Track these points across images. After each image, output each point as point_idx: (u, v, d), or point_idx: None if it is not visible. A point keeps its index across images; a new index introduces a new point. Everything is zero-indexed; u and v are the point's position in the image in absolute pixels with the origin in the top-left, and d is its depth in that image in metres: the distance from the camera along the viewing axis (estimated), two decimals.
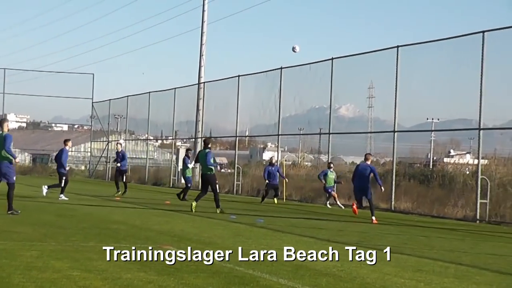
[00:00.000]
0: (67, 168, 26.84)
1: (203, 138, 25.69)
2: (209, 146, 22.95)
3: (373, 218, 21.63)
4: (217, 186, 23.09)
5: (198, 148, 45.20)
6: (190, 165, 30.18)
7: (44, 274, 9.35)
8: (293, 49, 32.56)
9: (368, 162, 22.91)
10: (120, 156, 30.97)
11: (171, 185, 46.29)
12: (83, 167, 68.13)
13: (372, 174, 22.46)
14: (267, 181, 30.12)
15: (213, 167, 22.67)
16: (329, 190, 29.39)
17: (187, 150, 31.94)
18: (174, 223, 18.05)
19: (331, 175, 29.23)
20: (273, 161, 31.55)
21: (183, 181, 33.03)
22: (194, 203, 22.48)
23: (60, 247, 12.19)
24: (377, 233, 18.02)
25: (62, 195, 25.84)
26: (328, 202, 29.54)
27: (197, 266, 10.22)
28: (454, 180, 29.10)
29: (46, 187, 26.73)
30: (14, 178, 18.57)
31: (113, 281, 9.07)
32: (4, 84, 60.64)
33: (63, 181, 26.31)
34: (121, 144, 32.82)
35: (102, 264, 10.23)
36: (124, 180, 30.78)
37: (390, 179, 28.30)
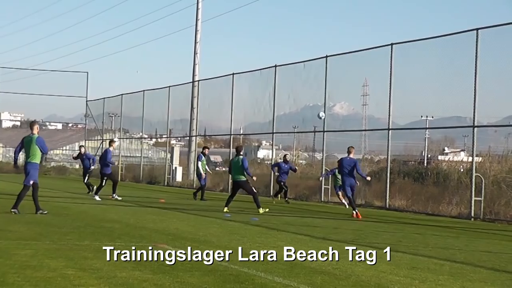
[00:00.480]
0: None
1: (235, 146, 25.33)
2: (241, 153, 23.24)
3: (355, 212, 22.44)
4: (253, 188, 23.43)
5: (193, 148, 45.26)
6: (202, 170, 29.51)
7: (39, 273, 9.35)
8: (319, 116, 32.47)
9: (351, 156, 23.29)
10: (85, 158, 31.48)
11: (165, 183, 46.25)
12: (77, 166, 67.99)
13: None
14: (277, 174, 29.87)
15: (246, 173, 23.11)
16: (338, 191, 28.76)
17: (204, 148, 31.10)
18: (169, 222, 18.04)
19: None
20: (288, 158, 30.97)
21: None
22: (226, 209, 22.77)
23: (55, 246, 12.18)
24: (372, 230, 18.03)
25: (96, 196, 26.38)
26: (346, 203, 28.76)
27: (192, 264, 10.22)
28: (448, 177, 29.08)
29: (96, 196, 26.54)
30: (31, 182, 18.66)
31: (108, 279, 9.07)
32: None
33: (104, 182, 26.81)
34: (83, 147, 33.24)
35: (97, 262, 10.23)
36: (85, 180, 31.05)
37: (385, 177, 28.32)
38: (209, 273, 9.76)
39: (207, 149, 30.65)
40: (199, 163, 29.37)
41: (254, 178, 23.96)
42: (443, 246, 15.00)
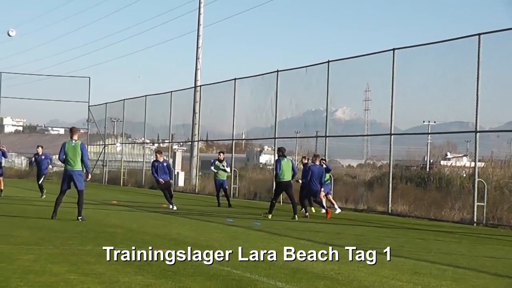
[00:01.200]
0: (160, 180, 25.75)
1: (278, 147, 24.67)
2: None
3: (308, 214, 23.61)
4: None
5: (195, 153, 45.20)
6: (228, 169, 29.06)
7: (41, 278, 9.34)
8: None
9: (317, 163, 24.15)
10: (43, 159, 30.96)
11: None
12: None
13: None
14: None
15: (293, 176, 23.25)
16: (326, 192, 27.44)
17: (219, 152, 30.38)
18: (171, 227, 18.03)
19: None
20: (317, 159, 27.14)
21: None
22: (270, 216, 22.54)
23: (57, 250, 12.18)
24: (375, 236, 18.02)
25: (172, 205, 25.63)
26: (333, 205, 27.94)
27: (194, 269, 10.23)
28: (451, 183, 29.03)
29: (172, 206, 25.68)
30: (84, 185, 19.09)
31: (111, 284, 9.06)
32: (0, 88, 60.54)
33: (166, 191, 25.95)
34: (42, 147, 32.34)
35: (99, 267, 10.23)
36: (40, 182, 30.63)
37: (387, 182, 28.28)
38: (211, 278, 9.76)
39: (221, 154, 29.72)
40: (211, 167, 29.05)
41: (300, 180, 24.21)
42: (446, 252, 14.99)
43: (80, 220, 18.48)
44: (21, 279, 9.15)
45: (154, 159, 26.43)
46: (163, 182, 25.67)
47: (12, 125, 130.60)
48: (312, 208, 27.82)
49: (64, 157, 18.72)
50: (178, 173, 47.09)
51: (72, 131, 19.38)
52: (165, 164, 25.96)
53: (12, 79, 63.61)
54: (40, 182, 30.59)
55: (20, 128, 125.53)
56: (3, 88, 60.95)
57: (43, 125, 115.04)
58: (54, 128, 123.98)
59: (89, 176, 19.38)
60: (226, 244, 14.01)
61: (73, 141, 18.93)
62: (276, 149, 37.44)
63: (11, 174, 56.87)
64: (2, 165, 30.69)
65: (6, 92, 61.53)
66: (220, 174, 28.62)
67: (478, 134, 24.52)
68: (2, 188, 29.74)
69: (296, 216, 22.48)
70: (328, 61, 31.65)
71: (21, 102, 64.97)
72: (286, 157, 23.20)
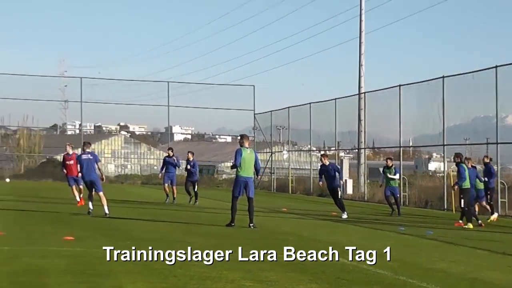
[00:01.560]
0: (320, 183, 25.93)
1: (455, 153, 23.34)
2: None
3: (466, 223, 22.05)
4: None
5: (362, 160, 44.87)
6: (396, 176, 28.46)
7: (218, 284, 9.49)
8: None
9: (469, 166, 23.14)
10: (192, 165, 30.88)
11: None
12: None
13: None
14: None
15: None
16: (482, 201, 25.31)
17: (388, 159, 29.09)
18: (342, 234, 17.94)
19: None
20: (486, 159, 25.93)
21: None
22: (470, 224, 21.82)
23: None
24: None
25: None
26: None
27: (368, 277, 10.12)
28: None
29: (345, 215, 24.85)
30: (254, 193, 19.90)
31: None
32: (168, 97, 62.32)
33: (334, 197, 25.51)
34: (192, 153, 32.02)
35: (273, 275, 10.27)
36: (195, 189, 30.59)
37: None
38: (387, 287, 9.60)
39: (389, 160, 28.76)
40: (395, 176, 28.48)
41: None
42: None
43: (252, 227, 18.71)
44: (199, 285, 9.32)
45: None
46: (321, 184, 26.16)
47: (181, 133, 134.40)
48: (494, 215, 26.15)
49: (239, 163, 19.04)
50: (346, 180, 46.79)
51: (244, 138, 19.61)
52: (330, 167, 25.50)
53: (179, 88, 65.44)
54: (195, 190, 30.67)
55: (189, 137, 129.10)
56: (171, 97, 62.78)
57: (211, 133, 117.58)
58: (221, 136, 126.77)
59: (258, 177, 19.86)
60: (400, 253, 13.72)
61: (248, 149, 19.32)
62: (445, 156, 36.83)
63: (183, 182, 58.55)
64: (175, 174, 31.54)
65: (174, 101, 63.33)
66: (391, 182, 28.09)
67: None
68: (175, 196, 30.58)
69: (470, 224, 21.78)
70: (496, 66, 30.63)
71: (189, 110, 66.33)
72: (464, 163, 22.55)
